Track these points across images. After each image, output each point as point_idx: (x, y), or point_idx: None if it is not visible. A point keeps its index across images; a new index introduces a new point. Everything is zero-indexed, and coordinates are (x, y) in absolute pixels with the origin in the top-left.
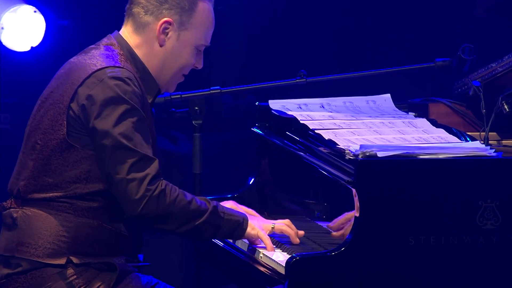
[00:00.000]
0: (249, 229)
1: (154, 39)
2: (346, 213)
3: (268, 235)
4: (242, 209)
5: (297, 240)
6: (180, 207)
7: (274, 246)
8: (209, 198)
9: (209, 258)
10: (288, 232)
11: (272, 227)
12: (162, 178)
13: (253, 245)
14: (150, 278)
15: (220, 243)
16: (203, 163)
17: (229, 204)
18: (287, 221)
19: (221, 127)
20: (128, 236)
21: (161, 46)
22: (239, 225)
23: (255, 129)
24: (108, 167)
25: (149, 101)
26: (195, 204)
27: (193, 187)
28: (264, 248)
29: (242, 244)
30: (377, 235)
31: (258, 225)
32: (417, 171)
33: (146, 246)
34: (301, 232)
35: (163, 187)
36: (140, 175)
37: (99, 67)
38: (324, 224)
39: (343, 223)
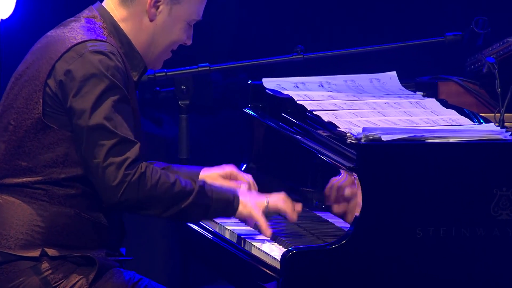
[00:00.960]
0: (241, 207)
1: (143, 13)
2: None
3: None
4: (240, 177)
5: (294, 217)
6: (163, 190)
7: (269, 238)
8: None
9: (196, 252)
10: (284, 210)
11: (266, 205)
12: (142, 161)
13: (246, 236)
14: (133, 274)
15: (209, 236)
16: (190, 148)
17: (228, 169)
18: (282, 194)
19: (210, 108)
20: (109, 227)
21: (151, 20)
22: (229, 204)
23: (247, 110)
24: (85, 150)
25: (134, 79)
26: (179, 185)
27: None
28: (254, 239)
29: (231, 235)
30: (381, 227)
31: (251, 203)
32: (426, 156)
33: (128, 239)
34: (299, 207)
35: (143, 170)
36: (118, 159)
37: (79, 40)
38: (323, 214)
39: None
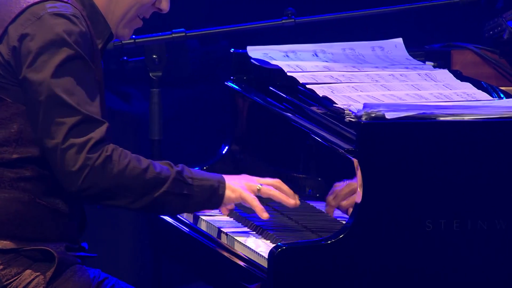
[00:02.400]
0: (228, 193)
1: None
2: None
3: (248, 219)
4: None
5: (291, 202)
6: (132, 177)
7: (254, 232)
8: None
9: (170, 248)
10: (278, 197)
11: (258, 188)
12: (109, 142)
13: (227, 230)
14: (98, 272)
15: (185, 229)
16: (163, 127)
17: None
18: (277, 180)
19: (186, 81)
20: (68, 215)
21: None
22: (214, 191)
23: (229, 84)
24: (41, 129)
25: (99, 46)
26: (152, 171)
27: (150, 158)
28: (237, 233)
29: (209, 227)
30: (384, 219)
31: (240, 185)
32: (437, 136)
33: (90, 232)
34: (294, 202)
35: (108, 153)
36: (79, 140)
37: (36, 0)
38: (317, 204)
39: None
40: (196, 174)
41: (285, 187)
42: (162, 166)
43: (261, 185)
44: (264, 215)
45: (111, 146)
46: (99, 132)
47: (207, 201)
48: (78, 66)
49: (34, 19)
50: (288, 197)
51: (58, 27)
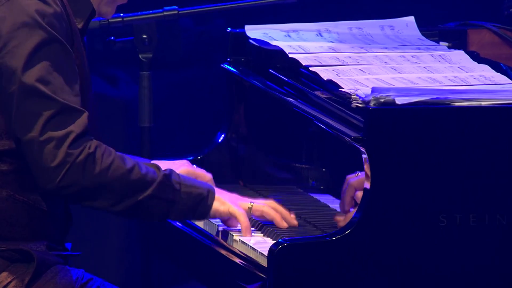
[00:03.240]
0: (216, 204)
1: None
2: (350, 177)
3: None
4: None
5: (284, 225)
6: (116, 177)
7: (253, 228)
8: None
9: (162, 246)
10: (271, 215)
11: (249, 207)
12: (92, 138)
13: (225, 226)
14: (82, 273)
15: (178, 224)
16: (153, 113)
17: (182, 167)
18: (270, 201)
19: (179, 63)
20: (51, 213)
21: None
22: (202, 200)
23: (226, 66)
24: (16, 122)
25: (79, 26)
26: (138, 172)
27: (139, 147)
28: (239, 231)
29: (208, 225)
30: (394, 213)
31: (230, 199)
32: (451, 123)
33: (75, 229)
34: (294, 220)
35: (91, 150)
36: (58, 133)
37: None
38: (321, 197)
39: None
40: (185, 180)
41: (280, 208)
42: (148, 168)
43: (253, 203)
44: (247, 234)
45: (94, 143)
46: (80, 125)
47: (192, 209)
48: (54, 51)
49: (4, 0)
50: (281, 218)
51: (30, 8)
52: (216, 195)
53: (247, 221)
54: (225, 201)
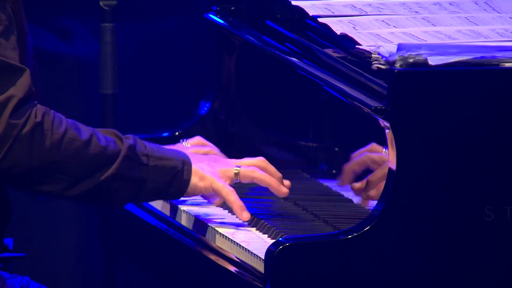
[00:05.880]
0: (195, 180)
1: None
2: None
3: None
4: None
5: (283, 190)
6: (70, 153)
7: (247, 223)
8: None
9: (127, 246)
10: (266, 182)
11: (236, 172)
12: (36, 103)
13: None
14: (26, 281)
15: (151, 220)
16: (118, 77)
17: (195, 141)
18: (260, 159)
19: (150, 13)
20: None
21: None
22: (176, 175)
23: (211, 17)
24: None
25: None
26: (96, 144)
27: (101, 120)
28: (222, 224)
29: (186, 218)
30: (425, 205)
31: (212, 171)
32: (500, 89)
33: (17, 225)
34: (287, 182)
35: (38, 119)
36: None
37: None
38: (332, 184)
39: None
40: (153, 149)
41: (271, 168)
42: (108, 138)
43: (239, 167)
44: (244, 215)
45: (40, 109)
46: (21, 87)
47: (165, 188)
48: None
49: None
50: (279, 183)
51: None
52: (194, 167)
53: (238, 199)
54: (205, 175)
